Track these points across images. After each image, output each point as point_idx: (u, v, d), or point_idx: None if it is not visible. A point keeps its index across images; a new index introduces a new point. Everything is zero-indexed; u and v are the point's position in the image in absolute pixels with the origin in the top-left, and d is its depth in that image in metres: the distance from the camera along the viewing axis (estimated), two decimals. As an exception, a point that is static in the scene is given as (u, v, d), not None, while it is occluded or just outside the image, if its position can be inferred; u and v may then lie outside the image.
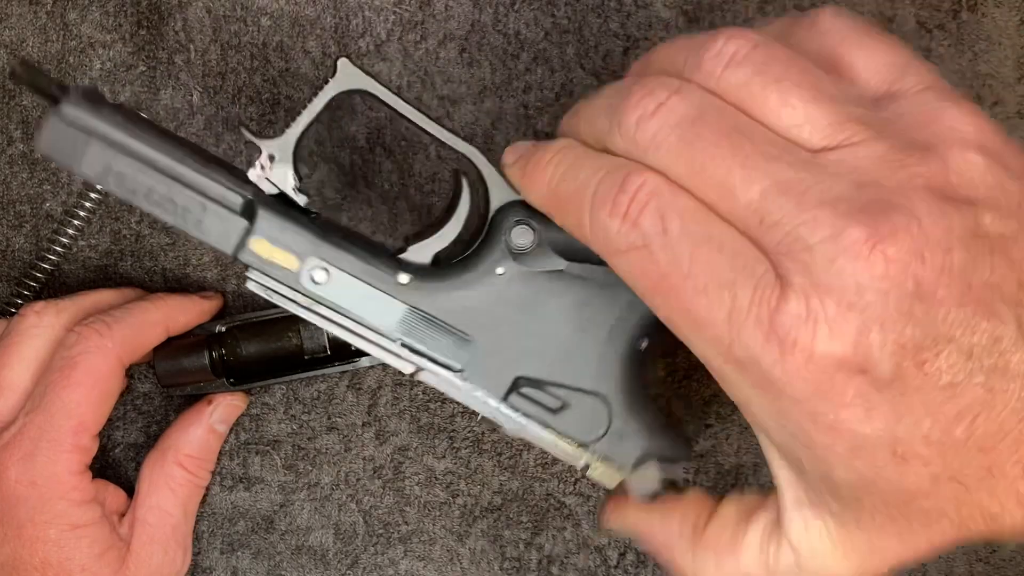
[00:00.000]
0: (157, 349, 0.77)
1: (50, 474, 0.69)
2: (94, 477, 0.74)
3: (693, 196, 0.50)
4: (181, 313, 0.76)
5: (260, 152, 0.60)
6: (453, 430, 0.80)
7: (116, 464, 0.82)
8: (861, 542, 0.53)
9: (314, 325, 0.62)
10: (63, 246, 0.81)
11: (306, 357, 0.77)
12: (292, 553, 0.81)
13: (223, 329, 0.78)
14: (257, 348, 0.77)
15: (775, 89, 0.50)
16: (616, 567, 0.79)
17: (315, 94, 0.62)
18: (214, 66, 0.81)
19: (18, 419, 0.70)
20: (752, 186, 0.48)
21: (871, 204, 0.47)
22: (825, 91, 0.51)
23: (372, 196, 0.80)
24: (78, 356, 0.70)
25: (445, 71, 0.80)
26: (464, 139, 0.61)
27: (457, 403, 0.77)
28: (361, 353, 0.71)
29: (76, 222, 0.81)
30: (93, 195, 0.81)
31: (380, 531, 0.81)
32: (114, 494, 0.76)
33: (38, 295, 0.81)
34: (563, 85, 0.79)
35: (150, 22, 0.82)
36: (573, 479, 0.79)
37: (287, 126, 0.61)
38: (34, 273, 0.81)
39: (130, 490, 0.77)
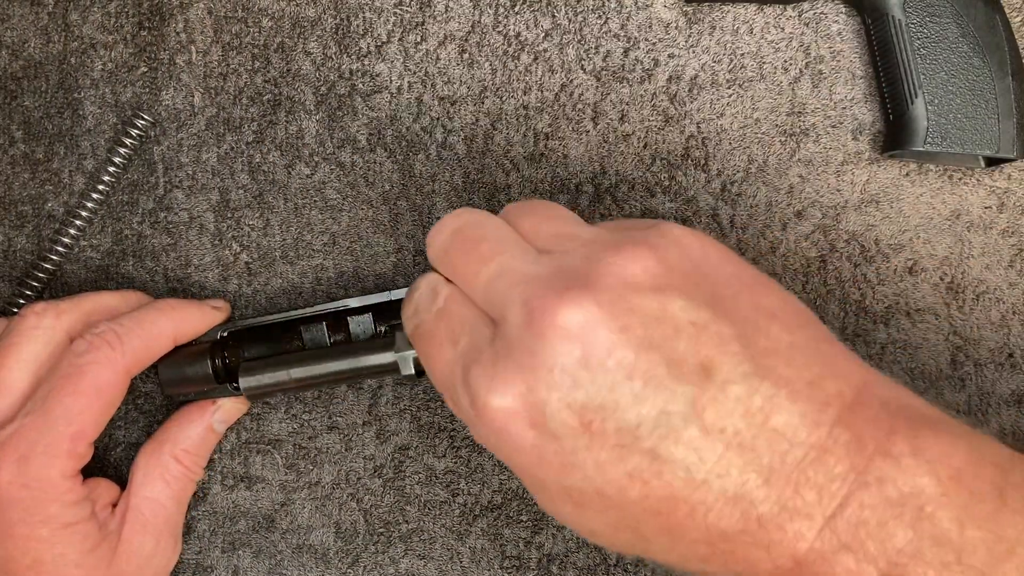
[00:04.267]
0: (161, 357, 0.77)
1: (44, 477, 0.68)
2: (89, 476, 0.74)
3: (458, 289, 0.60)
4: (190, 323, 0.76)
5: None
6: (453, 429, 0.80)
7: (117, 464, 0.82)
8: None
9: (315, 329, 0.76)
10: (65, 246, 0.81)
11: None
12: (293, 552, 0.81)
13: (225, 335, 0.78)
14: (260, 353, 0.77)
15: (533, 207, 0.62)
16: (616, 566, 0.79)
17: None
18: (215, 67, 0.82)
19: (16, 419, 0.70)
20: (481, 277, 0.58)
21: (561, 279, 0.54)
22: (560, 219, 0.61)
23: (373, 196, 0.81)
24: (87, 365, 0.70)
25: (445, 72, 0.80)
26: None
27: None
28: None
29: (78, 222, 0.81)
30: (95, 195, 0.81)
31: (381, 530, 0.81)
32: (106, 487, 0.76)
33: (40, 295, 0.82)
34: (563, 86, 0.79)
35: (151, 23, 0.82)
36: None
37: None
38: (36, 273, 0.82)
39: (122, 483, 0.78)
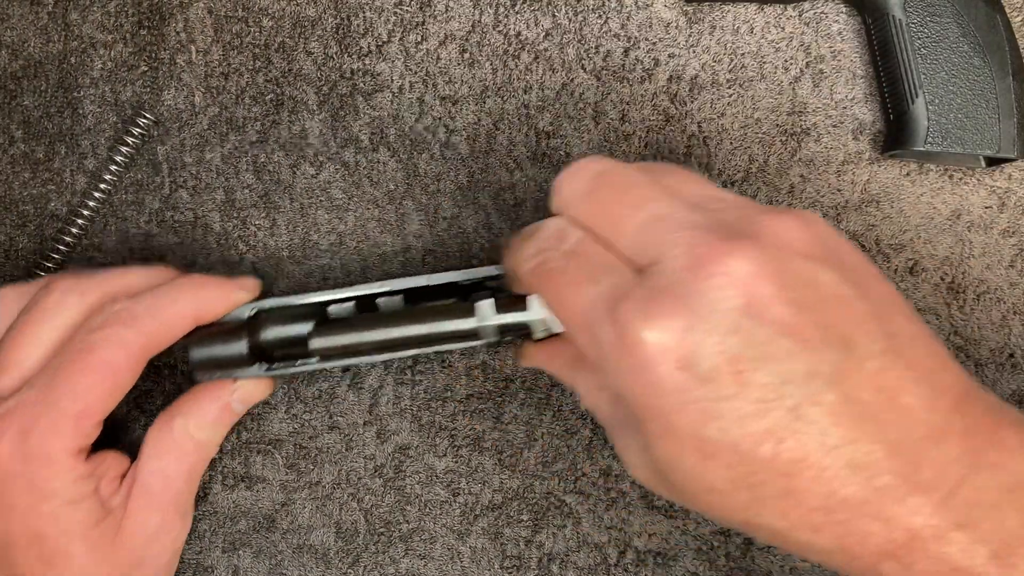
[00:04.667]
0: (190, 336, 0.74)
1: (45, 453, 0.67)
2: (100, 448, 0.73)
3: (591, 232, 0.60)
4: (212, 304, 0.74)
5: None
6: (454, 429, 0.80)
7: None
8: (666, 491, 0.60)
9: (456, 310, 0.72)
10: (67, 245, 0.81)
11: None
12: (293, 552, 0.81)
13: (252, 314, 0.75)
14: (326, 345, 0.74)
15: (671, 169, 0.63)
16: (616, 565, 0.79)
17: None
18: (216, 67, 0.82)
19: (21, 391, 0.69)
20: (634, 220, 0.58)
21: (727, 230, 0.55)
22: (702, 182, 0.62)
23: (378, 196, 0.81)
24: (98, 342, 0.69)
25: (446, 71, 0.80)
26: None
27: (458, 400, 0.80)
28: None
29: (80, 221, 0.82)
30: (97, 194, 0.81)
31: (381, 530, 0.81)
32: (114, 459, 0.74)
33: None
34: (564, 85, 0.79)
35: (151, 22, 0.82)
36: (574, 477, 0.79)
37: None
38: (38, 272, 0.82)
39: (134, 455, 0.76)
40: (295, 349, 0.74)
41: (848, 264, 0.57)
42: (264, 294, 0.76)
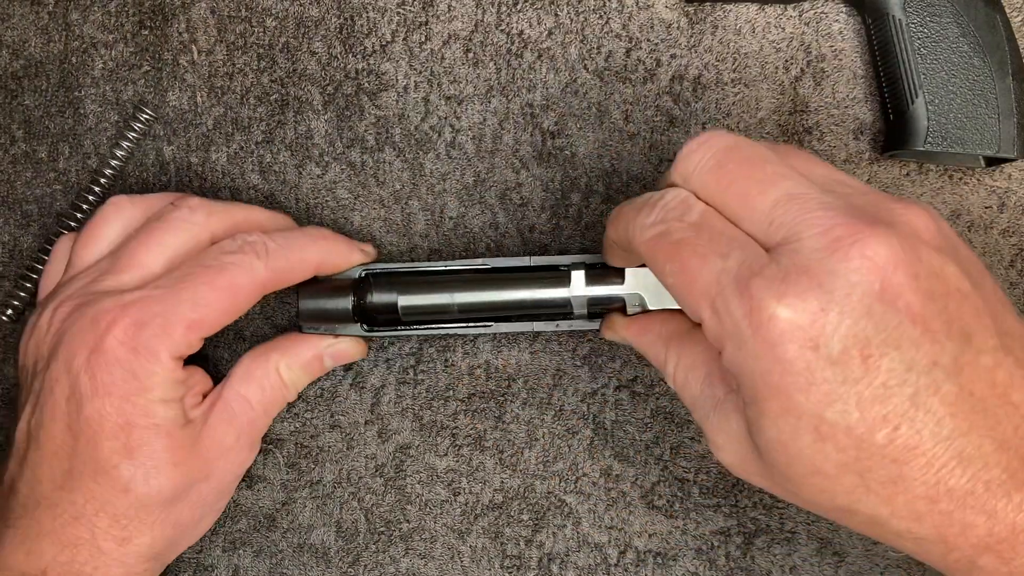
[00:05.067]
0: (302, 286, 0.77)
1: (152, 348, 0.69)
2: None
3: (713, 207, 0.60)
4: (336, 257, 0.76)
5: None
6: (455, 428, 0.80)
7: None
8: (756, 473, 0.61)
9: (550, 279, 0.74)
10: (71, 230, 0.82)
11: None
12: (294, 551, 0.81)
13: (363, 275, 0.77)
14: (414, 304, 0.76)
15: (793, 150, 0.63)
16: (616, 565, 0.79)
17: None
18: (220, 67, 0.82)
19: (145, 288, 0.71)
20: (767, 197, 0.57)
21: (863, 214, 0.55)
22: (828, 165, 0.62)
23: (384, 196, 0.81)
24: (230, 264, 0.71)
25: (451, 71, 0.80)
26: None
27: (460, 399, 0.80)
28: (493, 319, 0.77)
29: (79, 215, 0.82)
30: (96, 188, 0.81)
31: (381, 529, 0.81)
32: (201, 376, 0.76)
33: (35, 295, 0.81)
34: (567, 84, 0.80)
35: (153, 22, 0.82)
36: (574, 477, 0.79)
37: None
38: (37, 267, 0.82)
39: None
40: (395, 315, 0.76)
41: (966, 259, 0.57)
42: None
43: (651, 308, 0.71)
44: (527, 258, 0.76)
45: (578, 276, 0.72)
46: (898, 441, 0.53)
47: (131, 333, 0.69)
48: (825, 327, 0.53)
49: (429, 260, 0.81)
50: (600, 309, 0.73)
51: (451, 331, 0.77)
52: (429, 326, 0.77)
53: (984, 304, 0.55)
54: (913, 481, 0.53)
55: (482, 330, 0.77)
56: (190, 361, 0.75)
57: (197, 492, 0.74)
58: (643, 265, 0.70)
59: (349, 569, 0.81)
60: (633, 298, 0.71)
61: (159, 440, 0.70)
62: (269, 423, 0.78)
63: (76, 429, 0.69)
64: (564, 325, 0.76)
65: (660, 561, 0.78)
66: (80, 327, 0.70)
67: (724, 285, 0.56)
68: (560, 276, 0.73)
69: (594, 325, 0.76)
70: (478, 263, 0.76)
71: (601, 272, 0.72)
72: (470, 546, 0.80)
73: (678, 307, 0.66)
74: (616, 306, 0.73)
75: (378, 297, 0.76)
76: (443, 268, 0.77)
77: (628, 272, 0.71)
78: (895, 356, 0.53)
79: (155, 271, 0.73)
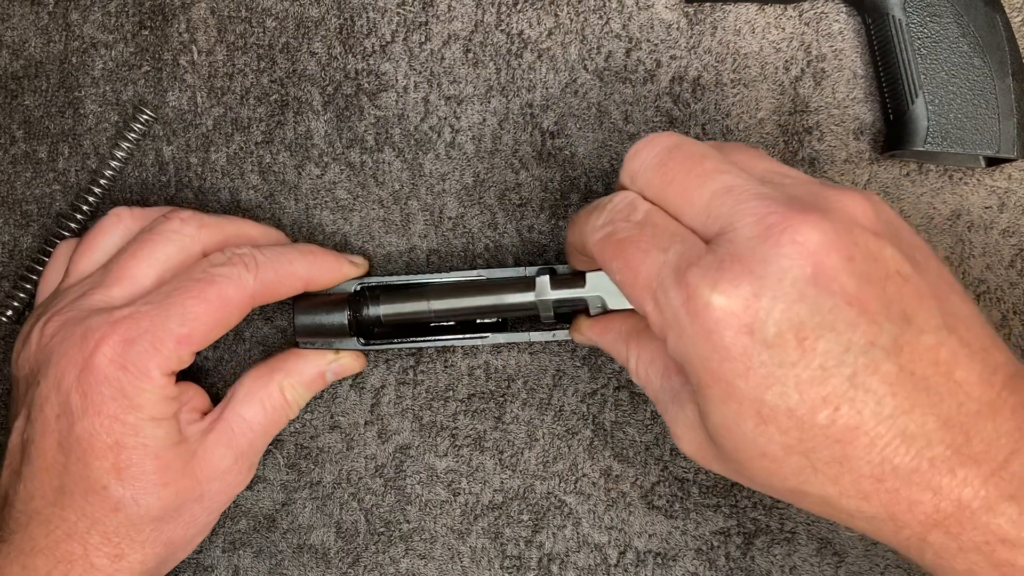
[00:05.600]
0: (298, 301, 0.78)
1: (142, 365, 0.69)
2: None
3: (659, 205, 0.62)
4: (325, 272, 0.77)
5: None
6: (455, 429, 0.80)
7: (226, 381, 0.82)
8: (712, 459, 0.63)
9: (518, 285, 0.75)
10: (71, 231, 0.82)
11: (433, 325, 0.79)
12: (294, 552, 0.81)
13: (358, 289, 0.78)
14: (393, 312, 0.77)
15: (739, 146, 0.65)
16: (616, 565, 0.79)
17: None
18: (220, 67, 0.82)
19: (134, 304, 0.71)
20: (704, 191, 0.59)
21: (797, 202, 0.56)
22: (770, 159, 0.65)
23: (383, 196, 0.81)
24: (219, 277, 0.71)
25: (451, 71, 0.80)
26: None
27: (460, 400, 0.80)
28: (489, 328, 0.79)
29: (79, 216, 0.82)
30: (96, 190, 0.81)
31: (381, 529, 0.81)
32: (196, 392, 0.77)
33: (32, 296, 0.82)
34: (567, 84, 0.80)
35: (153, 23, 0.82)
36: (574, 478, 0.79)
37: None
38: (36, 267, 0.82)
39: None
40: (390, 327, 0.78)
41: (908, 243, 0.58)
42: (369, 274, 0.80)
43: (612, 308, 0.72)
44: (522, 268, 0.77)
45: (543, 281, 0.73)
46: (840, 422, 0.54)
47: (120, 350, 0.69)
48: (758, 312, 0.54)
49: (428, 264, 0.81)
50: (566, 311, 0.74)
51: (448, 342, 0.78)
52: (426, 338, 0.78)
53: (927, 286, 0.57)
54: (858, 460, 0.55)
55: (479, 341, 0.78)
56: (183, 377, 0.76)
57: (189, 512, 0.74)
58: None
59: (349, 569, 0.81)
60: (594, 300, 0.72)
61: (148, 460, 0.70)
62: (267, 444, 0.79)
63: (67, 447, 0.70)
64: (561, 335, 0.77)
65: (660, 561, 0.78)
66: (69, 345, 0.70)
67: (663, 277, 0.58)
68: (527, 282, 0.74)
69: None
70: (473, 275, 0.77)
71: (564, 277, 0.74)
72: (470, 546, 0.80)
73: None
74: (580, 308, 0.74)
75: (372, 310, 0.77)
76: (439, 281, 0.77)
77: (588, 275, 0.72)
78: (831, 338, 0.54)
79: (146, 284, 0.73)
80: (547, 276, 0.73)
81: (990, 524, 0.54)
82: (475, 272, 0.77)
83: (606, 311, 0.73)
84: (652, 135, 0.63)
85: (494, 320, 0.78)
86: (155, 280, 0.73)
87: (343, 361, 0.79)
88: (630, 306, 0.70)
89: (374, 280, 0.78)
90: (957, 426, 0.55)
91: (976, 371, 0.56)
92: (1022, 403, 0.56)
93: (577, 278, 0.73)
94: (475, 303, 0.75)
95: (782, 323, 0.54)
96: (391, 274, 0.81)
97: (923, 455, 0.54)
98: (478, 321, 0.77)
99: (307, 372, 0.78)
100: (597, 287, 0.72)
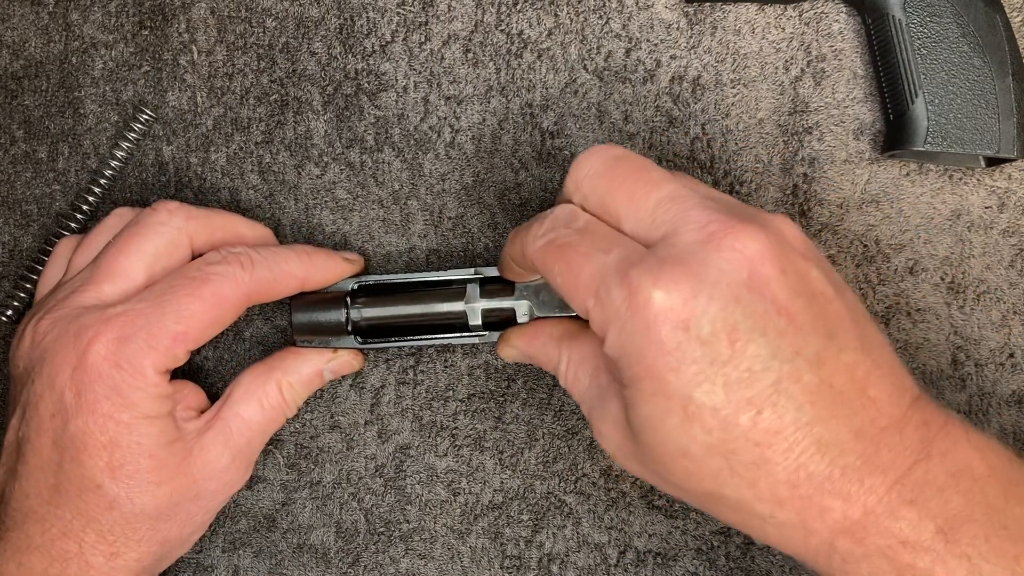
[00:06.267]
0: (295, 300, 0.78)
1: (136, 363, 0.69)
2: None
3: (600, 216, 0.65)
4: (321, 272, 0.77)
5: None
6: (455, 428, 0.80)
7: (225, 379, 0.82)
8: (632, 457, 0.64)
9: (449, 294, 0.76)
10: (71, 230, 0.82)
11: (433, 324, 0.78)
12: (293, 551, 0.81)
13: (356, 287, 0.78)
14: (391, 311, 0.77)
15: (679, 172, 0.67)
16: (616, 565, 0.79)
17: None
18: (220, 67, 0.82)
19: (129, 302, 0.71)
20: (651, 198, 0.62)
21: (736, 213, 0.59)
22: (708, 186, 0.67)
23: (383, 196, 0.81)
24: (214, 274, 0.72)
25: (450, 71, 0.80)
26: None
27: (460, 400, 0.80)
28: (488, 328, 0.78)
29: (80, 215, 0.82)
30: (96, 189, 0.81)
31: (381, 529, 0.81)
32: (192, 391, 0.77)
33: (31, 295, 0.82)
34: (567, 84, 0.80)
35: (153, 23, 0.82)
36: (574, 478, 0.79)
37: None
38: (36, 267, 0.82)
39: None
40: (385, 326, 0.78)
41: (828, 271, 0.62)
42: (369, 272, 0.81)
43: (538, 315, 0.74)
44: (479, 269, 0.78)
45: (473, 289, 0.75)
46: (761, 425, 0.56)
47: (114, 348, 0.69)
48: (695, 309, 0.56)
49: (427, 264, 0.81)
50: (494, 318, 0.76)
51: (446, 342, 0.78)
52: (423, 337, 0.78)
53: (847, 309, 0.60)
54: (775, 465, 0.57)
55: (476, 340, 0.78)
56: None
57: (186, 511, 0.74)
58: (535, 280, 0.75)
59: (349, 569, 0.81)
60: (521, 307, 0.75)
61: (143, 459, 0.70)
62: (264, 443, 0.79)
63: (61, 445, 0.70)
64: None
65: (660, 561, 0.78)
66: (63, 343, 0.70)
67: (606, 275, 0.60)
68: (458, 290, 0.76)
69: None
70: (469, 272, 0.77)
71: (494, 286, 0.75)
72: (470, 546, 0.80)
73: (564, 315, 0.74)
74: (507, 315, 0.75)
75: (368, 308, 0.78)
76: (436, 279, 0.78)
77: (517, 285, 0.75)
78: (761, 342, 0.56)
79: (135, 279, 0.73)
80: (476, 284, 0.75)
81: (892, 528, 0.57)
82: (471, 270, 0.77)
83: (533, 317, 0.75)
84: (597, 146, 0.66)
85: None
86: (144, 274, 0.73)
87: (341, 360, 0.79)
88: (557, 313, 0.75)
89: (372, 278, 0.78)
90: (868, 438, 0.57)
91: (887, 390, 0.59)
92: (925, 421, 0.59)
93: (506, 287, 0.75)
94: (408, 311, 0.77)
95: (716, 322, 0.56)
96: (391, 273, 0.81)
97: (836, 463, 0.57)
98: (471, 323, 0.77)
99: (305, 371, 0.78)
100: (525, 295, 0.74)
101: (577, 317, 0.73)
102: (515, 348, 0.75)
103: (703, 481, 0.59)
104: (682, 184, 0.62)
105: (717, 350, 0.56)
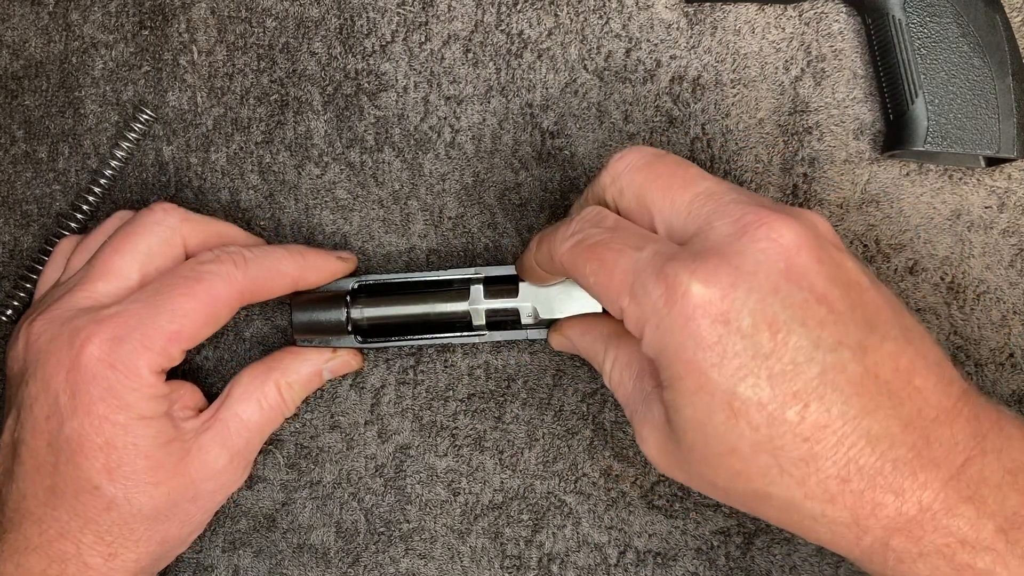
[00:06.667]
0: (295, 299, 0.78)
1: (130, 364, 0.69)
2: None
3: (630, 210, 0.65)
4: (314, 272, 0.77)
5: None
6: (455, 428, 0.80)
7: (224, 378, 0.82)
8: (675, 465, 0.64)
9: (451, 294, 0.77)
10: (71, 230, 0.82)
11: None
12: (293, 551, 0.81)
13: (356, 287, 0.78)
14: (392, 311, 0.77)
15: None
16: (616, 565, 0.79)
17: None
18: (220, 67, 0.82)
19: (122, 303, 0.71)
20: (687, 192, 0.61)
21: (771, 207, 0.59)
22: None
23: (383, 196, 0.81)
24: (207, 274, 0.72)
25: (451, 71, 0.80)
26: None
27: (460, 400, 0.80)
28: (487, 328, 0.78)
29: (80, 215, 0.82)
30: (96, 189, 0.81)
31: (381, 529, 0.81)
32: (189, 391, 0.77)
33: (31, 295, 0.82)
34: (567, 84, 0.80)
35: (153, 23, 0.82)
36: (574, 478, 0.79)
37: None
38: (36, 267, 0.82)
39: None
40: (384, 325, 0.78)
41: (860, 263, 0.60)
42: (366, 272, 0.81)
43: (543, 317, 0.75)
44: (476, 269, 0.78)
45: (477, 290, 0.75)
46: (809, 419, 0.55)
47: (108, 349, 0.69)
48: (735, 301, 0.56)
49: (427, 263, 0.81)
50: (497, 319, 0.76)
51: (446, 341, 0.78)
52: (422, 336, 0.78)
53: (884, 299, 0.59)
54: (825, 460, 0.56)
55: (475, 339, 0.78)
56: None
57: (184, 511, 0.74)
58: (553, 282, 0.74)
59: (349, 569, 0.81)
60: (526, 309, 0.75)
61: (140, 460, 0.70)
62: (262, 443, 0.79)
63: (57, 447, 0.70)
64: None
65: (660, 561, 0.78)
66: (57, 344, 0.70)
67: (641, 271, 0.59)
68: (460, 290, 0.76)
69: None
70: (470, 272, 0.77)
71: (498, 286, 0.75)
72: (470, 546, 0.80)
73: (564, 315, 0.75)
74: (510, 317, 0.76)
75: (367, 308, 0.78)
76: (436, 278, 0.78)
77: (521, 285, 0.75)
78: (802, 332, 0.56)
79: (130, 278, 0.73)
80: (480, 285, 0.75)
81: (950, 526, 0.56)
82: (472, 269, 0.77)
83: (537, 320, 0.76)
84: (629, 148, 0.66)
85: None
86: (138, 273, 0.73)
87: (339, 359, 0.79)
88: (559, 315, 0.75)
89: (372, 278, 0.78)
90: (918, 430, 0.56)
91: (933, 380, 0.58)
92: (976, 415, 0.58)
93: (510, 288, 0.75)
94: (410, 311, 0.77)
95: (757, 313, 0.56)
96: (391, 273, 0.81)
97: (887, 456, 0.56)
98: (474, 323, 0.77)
99: (303, 370, 0.78)
100: (529, 297, 0.74)
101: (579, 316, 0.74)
102: (567, 338, 0.75)
103: (752, 480, 0.58)
104: (718, 181, 0.62)
105: (759, 343, 0.56)
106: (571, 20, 0.80)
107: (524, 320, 0.75)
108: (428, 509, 0.80)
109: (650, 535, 0.79)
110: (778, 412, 0.55)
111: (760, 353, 0.55)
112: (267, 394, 0.77)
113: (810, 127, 0.78)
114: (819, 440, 0.55)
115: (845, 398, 0.55)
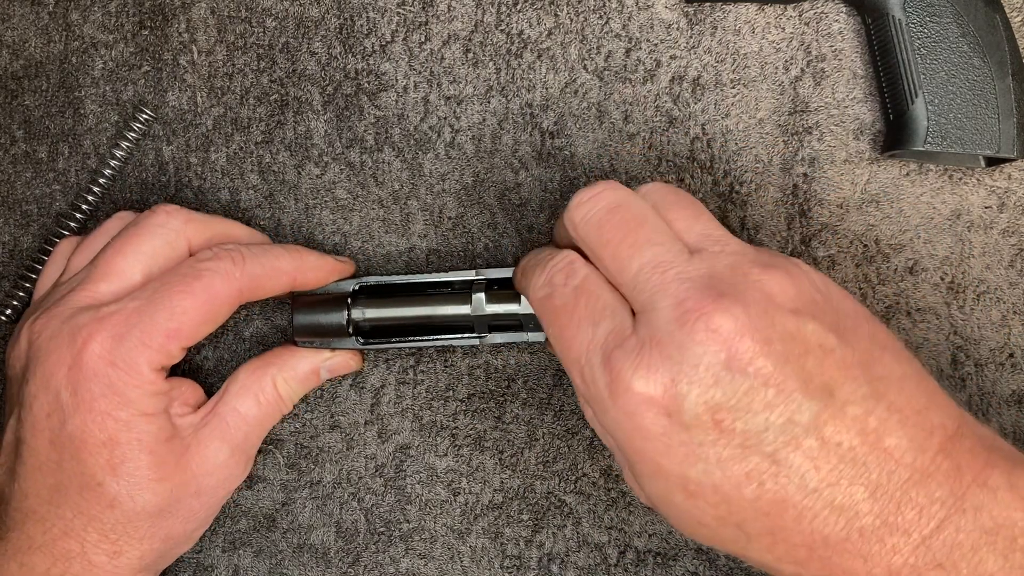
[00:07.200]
0: (296, 300, 0.78)
1: (131, 361, 0.70)
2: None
3: (595, 269, 0.65)
4: (311, 271, 0.77)
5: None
6: (455, 428, 0.80)
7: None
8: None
9: (452, 296, 0.77)
10: (71, 230, 0.82)
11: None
12: (294, 551, 0.81)
13: (357, 288, 0.78)
14: (393, 313, 0.77)
15: (681, 201, 0.66)
16: (616, 565, 0.79)
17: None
18: (220, 67, 0.82)
19: (122, 301, 0.71)
20: (634, 262, 0.61)
21: (716, 286, 0.58)
22: (707, 218, 0.66)
23: (383, 196, 0.81)
24: (205, 271, 0.72)
25: (450, 71, 0.80)
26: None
27: (460, 400, 0.80)
28: (488, 330, 0.78)
29: (79, 215, 0.82)
30: (96, 189, 0.81)
31: (381, 529, 0.81)
32: (190, 387, 0.77)
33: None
34: (567, 84, 0.80)
35: (153, 23, 0.82)
36: (574, 478, 0.79)
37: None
38: (35, 266, 0.82)
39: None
40: (385, 327, 0.78)
41: (835, 310, 0.60)
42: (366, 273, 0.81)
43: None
44: (509, 270, 0.77)
45: (479, 296, 0.75)
46: (766, 496, 0.56)
47: (108, 346, 0.69)
48: (676, 396, 0.56)
49: (427, 264, 0.81)
50: (500, 326, 0.77)
51: (447, 342, 0.78)
52: (424, 337, 0.78)
53: (853, 355, 0.58)
54: (789, 531, 0.57)
55: (475, 341, 0.78)
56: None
57: (187, 507, 0.74)
58: None
59: (349, 569, 0.81)
60: (528, 318, 0.75)
61: (143, 456, 0.70)
62: (262, 438, 0.79)
63: (59, 444, 0.70)
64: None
65: (660, 561, 0.78)
66: (58, 342, 0.70)
67: (591, 354, 0.61)
68: (461, 292, 0.76)
69: None
70: (471, 273, 0.77)
71: (500, 293, 0.75)
72: (470, 546, 0.80)
73: None
74: (512, 322, 0.76)
75: (368, 309, 0.78)
76: (436, 280, 0.78)
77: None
78: (747, 419, 0.56)
79: (132, 279, 0.73)
80: (482, 292, 0.75)
81: None
82: (472, 271, 0.77)
83: (539, 327, 0.76)
84: (598, 186, 0.66)
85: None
86: (141, 274, 0.73)
87: (338, 359, 0.79)
88: None
89: (373, 279, 0.78)
90: (887, 496, 0.56)
91: (908, 437, 0.57)
92: (957, 467, 0.57)
93: (513, 295, 0.75)
94: (411, 313, 0.77)
95: (699, 406, 0.56)
96: (391, 274, 0.81)
97: (852, 525, 0.56)
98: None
99: (301, 368, 0.78)
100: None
101: None
102: None
103: (725, 544, 0.60)
104: (669, 245, 0.62)
105: (704, 432, 0.56)
106: (571, 20, 0.80)
107: (526, 328, 0.76)
108: (428, 509, 0.80)
109: (650, 535, 0.79)
110: (733, 492, 0.56)
111: (706, 441, 0.56)
112: (264, 389, 0.77)
113: (810, 127, 0.78)
114: (780, 514, 0.56)
115: (802, 474, 0.56)
